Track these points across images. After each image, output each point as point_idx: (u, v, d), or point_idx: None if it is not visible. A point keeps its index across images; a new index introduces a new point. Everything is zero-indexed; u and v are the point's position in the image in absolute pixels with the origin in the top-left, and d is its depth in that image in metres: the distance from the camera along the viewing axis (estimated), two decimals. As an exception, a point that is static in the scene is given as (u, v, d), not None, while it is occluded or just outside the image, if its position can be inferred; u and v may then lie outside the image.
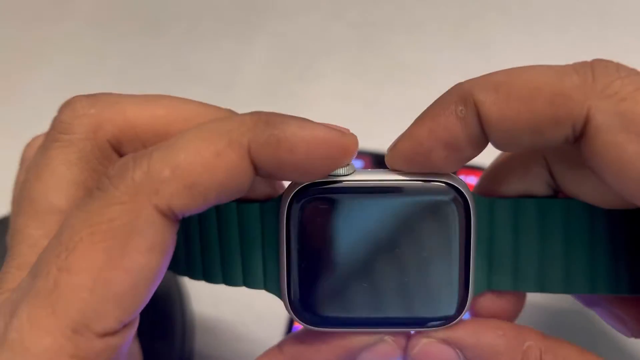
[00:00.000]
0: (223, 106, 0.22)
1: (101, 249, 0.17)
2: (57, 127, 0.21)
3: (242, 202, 0.21)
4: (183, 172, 0.17)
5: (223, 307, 0.35)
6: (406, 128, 0.19)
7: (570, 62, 0.18)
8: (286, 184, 0.21)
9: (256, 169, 0.18)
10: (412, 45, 0.47)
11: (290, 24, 0.50)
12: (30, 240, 0.20)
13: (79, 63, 0.51)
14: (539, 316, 0.31)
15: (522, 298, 0.22)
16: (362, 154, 0.37)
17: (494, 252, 0.21)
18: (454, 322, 0.21)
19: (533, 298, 0.23)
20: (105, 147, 0.21)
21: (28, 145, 0.24)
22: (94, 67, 0.50)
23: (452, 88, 0.19)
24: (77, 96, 0.21)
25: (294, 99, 0.45)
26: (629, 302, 0.22)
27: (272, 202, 0.21)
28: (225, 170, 0.18)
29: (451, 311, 0.20)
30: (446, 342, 0.21)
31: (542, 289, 0.21)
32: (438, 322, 0.21)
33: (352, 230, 0.20)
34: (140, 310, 0.18)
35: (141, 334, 0.24)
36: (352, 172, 0.20)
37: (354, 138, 0.19)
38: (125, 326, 0.18)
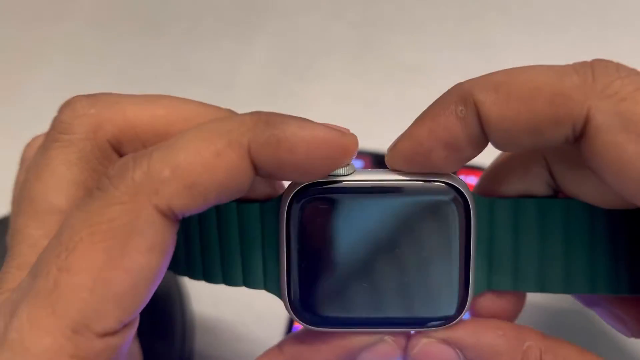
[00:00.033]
0: (223, 106, 0.22)
1: (101, 249, 0.17)
2: (57, 127, 0.21)
3: (242, 202, 0.21)
4: (183, 172, 0.17)
5: (223, 307, 0.35)
6: (406, 128, 0.19)
7: (570, 62, 0.18)
8: (286, 183, 0.21)
9: (256, 169, 0.18)
10: (412, 45, 0.47)
11: (290, 24, 0.50)
12: (30, 240, 0.20)
13: (79, 63, 0.51)
14: (539, 316, 0.31)
15: (522, 298, 0.22)
16: (362, 154, 0.37)
17: (494, 252, 0.21)
18: (454, 322, 0.21)
19: (533, 298, 0.23)
20: (105, 147, 0.21)
21: (28, 145, 0.24)
22: (94, 67, 0.50)
23: (452, 88, 0.19)
24: (77, 96, 0.21)
25: (294, 99, 0.45)
26: (629, 302, 0.22)
27: (272, 202, 0.21)
28: (225, 170, 0.18)
29: (451, 311, 0.20)
30: (446, 342, 0.21)
31: (542, 289, 0.21)
32: (438, 322, 0.21)
33: (352, 230, 0.20)
34: (140, 310, 0.18)
35: (141, 334, 0.24)
36: (352, 172, 0.20)
37: (354, 138, 0.19)
38: (126, 326, 0.18)
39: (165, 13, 0.53)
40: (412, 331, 0.21)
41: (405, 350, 0.21)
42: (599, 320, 0.25)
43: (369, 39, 0.49)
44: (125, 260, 0.17)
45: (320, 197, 0.20)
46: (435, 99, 0.19)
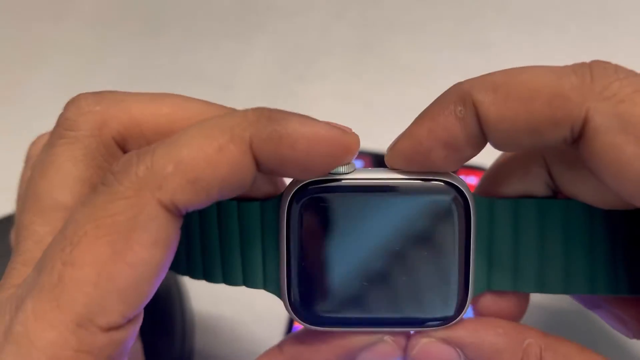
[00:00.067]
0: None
1: (105, 243, 0.17)
2: (63, 124, 0.21)
3: (243, 200, 0.21)
4: (186, 167, 0.17)
5: (223, 307, 0.35)
6: (406, 128, 0.20)
7: (570, 63, 0.18)
8: (287, 183, 0.21)
9: (258, 165, 0.18)
10: (412, 45, 0.47)
11: (290, 24, 0.50)
12: (36, 237, 0.20)
13: (79, 63, 0.51)
14: (539, 316, 0.31)
15: (526, 299, 0.22)
16: (362, 154, 0.37)
17: (493, 252, 0.21)
18: (454, 322, 0.21)
19: (533, 298, 0.23)
20: (110, 144, 0.21)
21: (33, 144, 0.24)
22: (94, 67, 0.50)
23: (451, 88, 0.19)
24: (82, 93, 0.21)
25: (294, 99, 0.45)
26: (630, 303, 0.22)
27: (272, 201, 0.21)
28: (228, 165, 0.18)
29: (451, 311, 0.20)
30: (446, 341, 0.21)
31: (541, 289, 0.21)
32: (437, 322, 0.21)
33: (352, 229, 0.20)
34: (144, 305, 0.18)
35: (141, 333, 0.24)
36: (353, 171, 0.20)
37: (355, 137, 0.19)
38: (130, 321, 0.18)
39: (165, 13, 0.53)
40: (412, 331, 0.21)
41: (405, 350, 0.21)
42: (599, 320, 0.25)
43: (369, 39, 0.49)
44: (129, 255, 0.17)
45: (320, 196, 0.20)
46: (435, 99, 0.19)
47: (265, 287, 0.21)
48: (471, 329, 0.21)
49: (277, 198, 0.21)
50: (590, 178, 0.20)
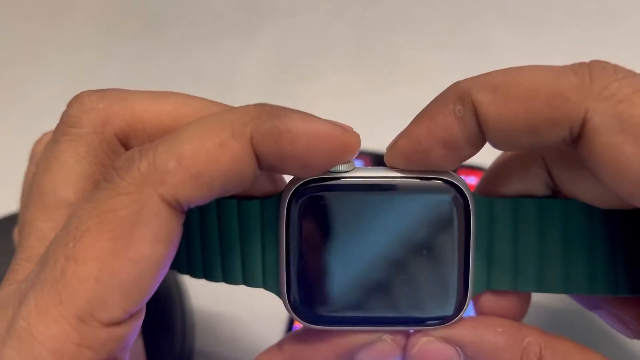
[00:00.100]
0: (224, 106, 0.22)
1: (107, 238, 0.17)
2: (66, 121, 0.21)
3: (243, 198, 0.21)
4: (188, 162, 0.17)
5: (223, 306, 0.35)
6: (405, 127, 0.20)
7: (569, 62, 0.18)
8: (288, 180, 0.21)
9: (259, 161, 0.18)
10: (412, 45, 0.48)
11: (290, 24, 0.50)
12: (39, 233, 0.20)
13: (79, 63, 0.51)
14: (539, 316, 0.31)
15: (527, 299, 0.22)
16: (362, 154, 0.37)
17: (493, 251, 0.21)
18: (453, 321, 0.21)
19: (533, 298, 0.23)
20: (113, 141, 0.21)
21: (37, 142, 0.24)
22: (93, 66, 0.50)
23: (450, 87, 0.19)
24: (86, 91, 0.21)
25: (294, 99, 0.45)
26: (630, 303, 0.22)
27: (272, 199, 0.21)
28: (229, 160, 0.18)
29: (450, 311, 0.20)
30: (446, 340, 0.21)
31: (541, 288, 0.21)
32: (437, 322, 0.21)
33: (351, 228, 0.20)
34: (146, 301, 0.18)
35: (142, 332, 0.24)
36: (352, 169, 0.20)
37: (356, 136, 0.19)
38: (132, 317, 0.18)
39: (165, 13, 0.53)
40: (411, 330, 0.21)
41: (404, 350, 0.21)
42: (599, 321, 0.25)
43: (368, 38, 0.49)
44: (131, 250, 0.17)
45: (320, 194, 0.20)
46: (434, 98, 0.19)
47: (265, 286, 0.21)
48: (471, 328, 0.21)
49: (277, 196, 0.21)
50: (589, 178, 0.20)
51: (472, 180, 0.36)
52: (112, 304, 0.17)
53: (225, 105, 0.21)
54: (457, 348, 0.21)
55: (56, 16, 0.54)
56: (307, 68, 0.48)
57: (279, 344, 0.22)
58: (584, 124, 0.17)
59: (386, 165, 0.20)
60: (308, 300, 0.21)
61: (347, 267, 0.20)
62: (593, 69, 0.17)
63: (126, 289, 0.17)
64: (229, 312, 0.34)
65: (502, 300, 0.22)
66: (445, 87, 0.19)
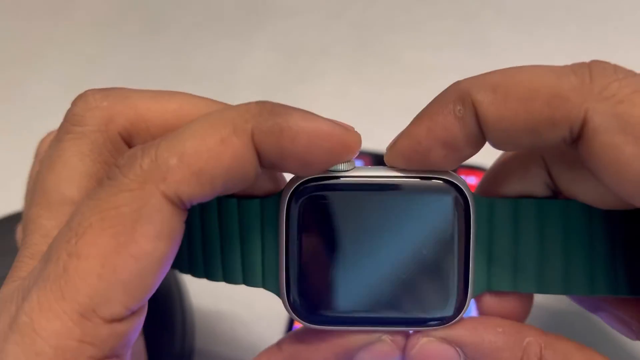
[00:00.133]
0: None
1: (110, 234, 0.17)
2: (70, 120, 0.21)
3: (243, 197, 0.21)
4: (189, 159, 0.18)
5: (223, 306, 0.35)
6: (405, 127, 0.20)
7: (569, 62, 0.18)
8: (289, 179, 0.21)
9: (260, 158, 0.18)
10: (412, 44, 0.48)
11: (290, 24, 0.50)
12: (43, 230, 0.20)
13: (79, 63, 0.51)
14: (539, 316, 0.31)
15: (530, 300, 0.22)
16: (362, 154, 0.37)
17: (493, 252, 0.21)
18: (453, 321, 0.21)
19: (534, 299, 0.23)
20: (117, 139, 0.21)
21: (42, 141, 0.24)
22: (94, 66, 0.50)
23: (449, 87, 0.19)
24: (90, 89, 0.21)
25: (293, 99, 0.45)
26: (632, 304, 0.22)
27: (272, 198, 0.21)
28: (231, 157, 0.18)
29: (450, 311, 0.20)
30: (446, 340, 0.21)
31: (541, 289, 0.21)
32: (437, 322, 0.21)
33: (351, 227, 0.20)
34: (147, 298, 0.18)
35: (143, 331, 0.24)
36: (352, 169, 0.20)
37: (357, 136, 0.19)
38: (133, 314, 0.18)
39: (165, 13, 0.53)
40: (411, 331, 0.21)
41: (403, 350, 0.21)
42: (599, 321, 0.25)
43: (369, 38, 0.49)
44: (133, 247, 0.17)
45: (319, 193, 0.20)
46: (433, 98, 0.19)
47: (264, 286, 0.21)
48: (471, 328, 0.21)
49: (277, 195, 0.21)
50: (589, 178, 0.20)
51: (472, 180, 0.36)
52: (113, 300, 0.17)
53: (228, 104, 0.21)
54: (457, 348, 0.21)
55: (56, 16, 0.54)
56: (307, 68, 0.48)
57: (279, 344, 0.22)
58: (584, 124, 0.17)
59: (386, 165, 0.20)
60: (307, 299, 0.20)
61: (346, 266, 0.20)
62: (593, 69, 0.17)
63: (128, 286, 0.17)
64: (229, 312, 0.34)
65: (504, 302, 0.22)
66: (445, 87, 0.19)
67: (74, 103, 0.21)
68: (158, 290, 0.19)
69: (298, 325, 0.22)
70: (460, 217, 0.20)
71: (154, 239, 0.17)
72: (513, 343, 0.20)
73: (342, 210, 0.20)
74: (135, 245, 0.17)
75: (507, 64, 0.19)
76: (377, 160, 0.37)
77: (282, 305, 0.21)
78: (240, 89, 0.47)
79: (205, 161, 0.18)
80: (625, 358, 0.30)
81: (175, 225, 0.18)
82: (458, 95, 0.18)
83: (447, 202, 0.20)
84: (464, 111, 0.18)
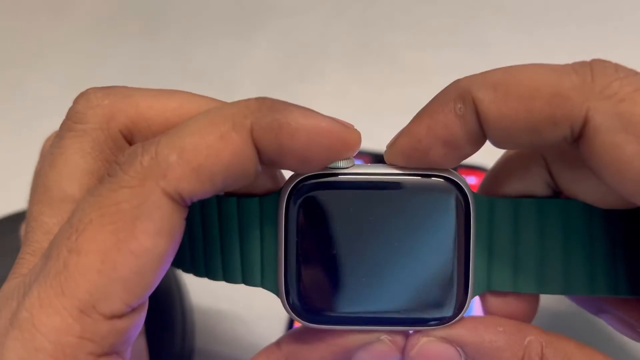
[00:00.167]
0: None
1: (110, 230, 0.17)
2: (72, 117, 0.21)
3: (243, 196, 0.21)
4: (189, 155, 0.18)
5: (223, 305, 0.35)
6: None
7: (569, 61, 0.18)
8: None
9: (260, 155, 0.18)
10: (412, 44, 0.48)
11: (290, 24, 0.50)
12: (45, 228, 0.20)
13: (79, 62, 0.51)
14: (539, 317, 0.31)
15: (536, 300, 0.22)
16: (362, 154, 0.37)
17: (493, 251, 0.21)
18: (454, 321, 0.20)
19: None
20: (118, 137, 0.21)
21: (47, 140, 0.24)
22: (94, 66, 0.50)
23: (450, 85, 0.19)
24: (92, 88, 0.21)
25: (294, 98, 0.45)
26: (635, 305, 0.22)
27: (271, 196, 0.21)
28: (230, 153, 0.18)
29: (450, 311, 0.20)
30: (446, 340, 0.21)
31: (542, 289, 0.21)
32: (437, 322, 0.20)
33: (350, 225, 0.20)
34: (148, 295, 0.18)
35: (143, 331, 0.24)
36: (352, 166, 0.20)
37: (357, 134, 0.19)
38: (134, 310, 0.18)
39: (165, 13, 0.53)
40: (411, 330, 0.21)
41: (403, 351, 0.21)
42: (600, 322, 0.25)
43: (368, 38, 0.49)
44: (133, 243, 0.17)
45: (318, 190, 0.20)
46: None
47: (263, 285, 0.21)
48: (471, 328, 0.20)
49: (276, 193, 0.21)
50: (590, 177, 0.20)
51: (472, 180, 0.36)
52: (113, 297, 0.17)
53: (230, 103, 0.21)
54: (457, 348, 0.20)
55: (56, 16, 0.54)
56: (307, 68, 0.48)
57: (278, 343, 0.22)
58: (585, 123, 0.17)
59: (386, 164, 0.20)
60: (306, 299, 0.20)
61: (345, 265, 0.20)
62: (594, 67, 0.17)
63: (128, 282, 0.17)
64: (229, 311, 0.34)
65: (510, 302, 0.21)
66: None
67: (76, 101, 0.21)
68: (158, 290, 0.19)
69: (298, 325, 0.22)
70: (460, 216, 0.20)
71: (154, 235, 0.17)
72: (514, 342, 0.20)
73: (341, 208, 0.20)
74: (136, 241, 0.17)
75: (507, 63, 0.19)
76: (376, 160, 0.37)
77: (281, 304, 0.21)
78: (240, 89, 0.47)
79: (205, 157, 0.18)
80: (626, 359, 0.30)
81: (175, 222, 0.18)
82: (459, 93, 0.18)
83: (447, 200, 0.20)
84: (465, 109, 0.18)
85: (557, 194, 0.22)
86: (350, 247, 0.20)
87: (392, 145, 0.20)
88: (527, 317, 0.22)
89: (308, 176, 0.20)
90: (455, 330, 0.20)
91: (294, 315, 0.21)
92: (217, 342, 0.34)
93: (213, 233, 0.21)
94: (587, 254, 0.21)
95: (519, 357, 0.20)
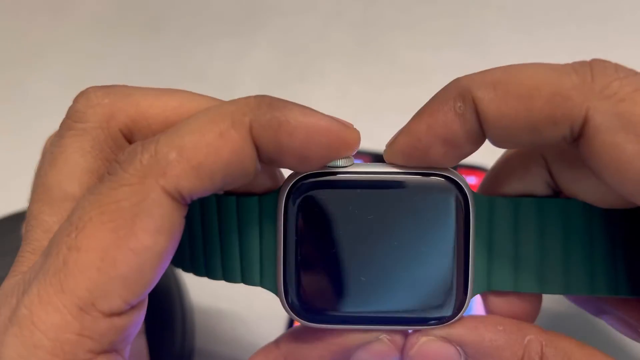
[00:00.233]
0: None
1: (109, 228, 0.17)
2: (72, 116, 0.21)
3: (243, 195, 0.21)
4: (189, 153, 0.18)
5: (223, 305, 0.35)
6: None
7: (568, 60, 0.18)
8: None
9: (259, 153, 0.18)
10: (412, 44, 0.48)
11: (290, 24, 0.50)
12: (45, 226, 0.20)
13: (79, 63, 0.51)
14: (539, 317, 0.31)
15: (539, 299, 0.22)
16: (361, 154, 0.37)
17: (493, 251, 0.21)
18: (453, 320, 0.20)
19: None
20: (118, 136, 0.21)
21: (49, 139, 0.24)
22: (93, 66, 0.50)
23: (450, 84, 0.19)
24: (92, 87, 0.21)
25: (293, 98, 0.45)
26: (635, 306, 0.22)
27: (270, 195, 0.21)
28: (230, 151, 0.18)
29: (450, 310, 0.20)
30: (446, 339, 0.20)
31: (541, 289, 0.21)
32: (436, 321, 0.20)
33: (349, 224, 0.20)
34: (147, 292, 0.18)
35: (144, 331, 0.24)
36: (351, 165, 0.20)
37: (356, 133, 0.19)
38: (133, 308, 0.18)
39: (165, 13, 0.53)
40: (410, 330, 0.21)
41: (402, 350, 0.21)
42: (600, 323, 0.25)
43: (368, 38, 0.49)
44: (132, 241, 0.17)
45: (317, 189, 0.20)
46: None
47: (262, 284, 0.21)
48: (471, 327, 0.20)
49: (275, 192, 0.21)
50: (590, 177, 0.20)
51: (472, 180, 0.36)
52: (113, 294, 0.17)
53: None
54: (457, 347, 0.20)
55: (56, 15, 0.54)
56: (307, 68, 0.48)
57: (276, 342, 0.22)
58: (585, 123, 0.17)
59: (385, 163, 0.20)
60: (305, 298, 0.20)
61: (344, 264, 0.20)
62: (594, 67, 0.17)
63: (127, 280, 0.17)
64: (229, 311, 0.34)
65: (511, 302, 0.21)
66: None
67: (76, 100, 0.21)
68: (158, 289, 0.19)
69: (298, 324, 0.22)
70: (460, 215, 0.20)
71: (153, 233, 0.17)
72: (514, 341, 0.20)
73: (340, 207, 0.20)
74: (135, 239, 0.17)
75: (507, 63, 0.19)
76: (376, 159, 0.37)
77: (280, 304, 0.21)
78: (240, 88, 0.47)
79: (205, 155, 0.18)
80: (626, 359, 0.30)
81: (175, 220, 0.18)
82: (458, 92, 0.18)
83: (447, 199, 0.20)
84: (465, 108, 0.18)
85: (557, 193, 0.22)
86: (350, 246, 0.20)
87: (391, 144, 0.20)
88: (529, 317, 0.22)
89: (307, 175, 0.20)
90: (454, 330, 0.20)
91: (292, 314, 0.21)
92: (217, 342, 0.34)
93: (212, 232, 0.21)
94: (587, 253, 0.21)
95: (518, 356, 0.20)
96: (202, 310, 0.35)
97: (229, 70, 0.48)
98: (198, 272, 0.22)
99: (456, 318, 0.20)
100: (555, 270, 0.21)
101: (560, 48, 0.44)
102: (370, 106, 0.44)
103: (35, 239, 0.20)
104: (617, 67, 0.17)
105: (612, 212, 0.21)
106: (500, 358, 0.20)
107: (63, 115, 0.21)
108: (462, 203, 0.20)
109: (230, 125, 0.18)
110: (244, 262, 0.21)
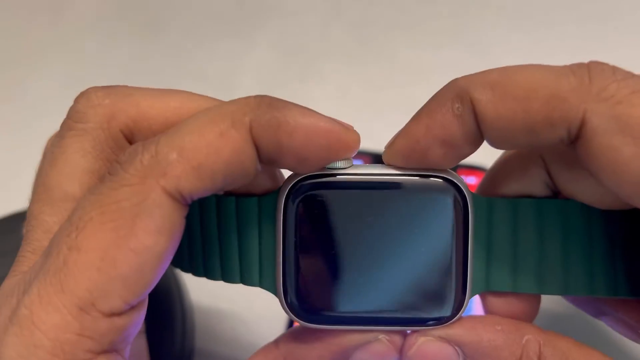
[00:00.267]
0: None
1: (110, 228, 0.17)
2: (73, 116, 0.21)
3: (242, 196, 0.21)
4: (189, 154, 0.18)
5: (223, 305, 0.35)
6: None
7: (568, 63, 0.18)
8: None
9: (259, 153, 0.18)
10: (412, 44, 0.48)
11: (290, 24, 0.50)
12: (45, 226, 0.20)
13: (79, 63, 0.51)
14: (539, 318, 0.31)
15: (537, 300, 0.22)
16: (361, 154, 0.37)
17: (492, 251, 0.21)
18: (452, 321, 0.21)
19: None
20: (119, 136, 0.21)
21: (50, 139, 0.24)
22: (93, 66, 0.50)
23: (448, 84, 0.19)
24: (92, 87, 0.21)
25: (293, 98, 0.45)
26: (635, 307, 0.22)
27: (269, 196, 0.21)
28: (230, 151, 0.18)
29: (448, 311, 0.20)
30: (445, 340, 0.21)
31: (540, 289, 0.21)
32: (435, 322, 0.20)
33: (348, 226, 0.20)
34: (147, 293, 0.18)
35: (144, 331, 0.24)
36: (350, 166, 0.20)
37: (355, 134, 0.19)
38: (133, 308, 0.18)
39: (165, 13, 0.53)
40: (409, 330, 0.21)
41: (401, 350, 0.21)
42: (599, 323, 0.25)
43: (368, 38, 0.49)
44: (132, 241, 0.17)
45: (317, 191, 0.20)
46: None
47: (261, 285, 0.21)
48: (469, 327, 0.21)
49: (275, 193, 0.21)
50: (588, 178, 0.20)
51: (472, 181, 0.36)
52: (113, 294, 0.17)
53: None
54: (456, 347, 0.21)
55: (56, 15, 0.54)
56: (307, 68, 0.48)
57: (276, 342, 0.22)
58: (582, 125, 0.17)
59: (384, 164, 0.20)
60: (304, 298, 0.20)
61: (343, 265, 0.20)
62: (592, 69, 0.17)
63: (127, 280, 0.17)
64: (229, 311, 0.35)
65: (510, 302, 0.21)
66: (444, 87, 0.19)
67: (77, 100, 0.21)
68: (158, 290, 0.19)
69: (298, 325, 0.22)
70: (458, 216, 0.20)
71: (154, 233, 0.17)
72: (512, 341, 0.20)
73: (339, 208, 0.20)
74: (135, 239, 0.17)
75: (507, 64, 0.19)
76: (376, 160, 0.37)
77: (280, 304, 0.21)
78: (240, 88, 0.47)
79: (205, 155, 0.18)
80: (624, 358, 0.30)
81: (175, 220, 0.18)
82: (456, 93, 0.18)
83: (445, 200, 0.20)
84: (463, 109, 0.18)
85: (555, 194, 0.22)
86: (349, 247, 0.20)
87: (390, 145, 0.20)
88: (528, 317, 0.22)
89: (306, 176, 0.20)
90: (453, 330, 0.21)
91: (292, 314, 0.21)
92: (217, 342, 0.34)
93: (212, 232, 0.21)
94: (586, 254, 0.21)
95: (517, 356, 0.20)
96: (202, 310, 0.35)
97: (229, 70, 0.48)
98: (197, 273, 0.22)
99: (455, 318, 0.20)
100: (554, 270, 0.21)
101: (560, 48, 0.44)
102: (370, 106, 0.44)
103: (36, 239, 0.20)
104: (615, 70, 0.17)
105: (611, 212, 0.21)
106: (499, 358, 0.20)
107: (63, 115, 0.21)
108: (461, 204, 0.20)
109: (230, 125, 0.18)
110: (243, 263, 0.21)
